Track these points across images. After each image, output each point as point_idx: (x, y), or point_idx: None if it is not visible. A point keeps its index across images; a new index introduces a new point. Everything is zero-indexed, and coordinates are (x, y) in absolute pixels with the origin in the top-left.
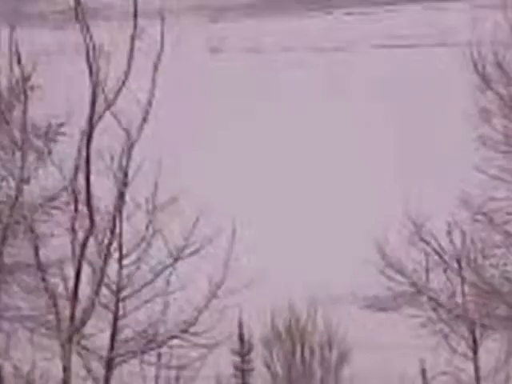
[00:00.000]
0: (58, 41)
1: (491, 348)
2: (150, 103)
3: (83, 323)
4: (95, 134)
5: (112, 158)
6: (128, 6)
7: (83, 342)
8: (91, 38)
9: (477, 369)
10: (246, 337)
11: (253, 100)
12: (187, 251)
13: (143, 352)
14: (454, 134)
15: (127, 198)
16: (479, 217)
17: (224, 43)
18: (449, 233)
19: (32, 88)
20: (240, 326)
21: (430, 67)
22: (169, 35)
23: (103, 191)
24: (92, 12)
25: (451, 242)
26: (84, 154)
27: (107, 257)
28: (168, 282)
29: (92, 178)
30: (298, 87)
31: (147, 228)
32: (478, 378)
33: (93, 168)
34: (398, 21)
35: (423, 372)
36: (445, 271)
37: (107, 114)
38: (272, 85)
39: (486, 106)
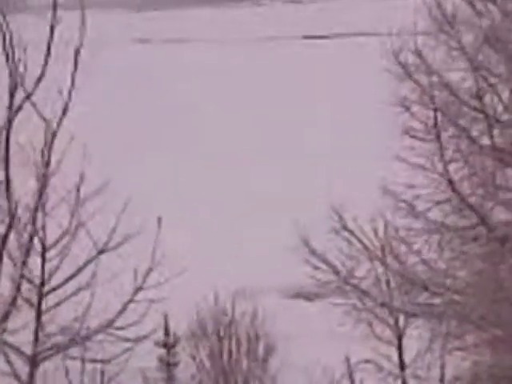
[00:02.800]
0: None
1: (415, 335)
2: (70, 94)
3: (4, 318)
4: (15, 126)
5: (34, 150)
6: None
7: (6, 338)
8: (7, 26)
9: (401, 355)
10: (172, 330)
11: (178, 92)
12: (112, 244)
13: (67, 347)
14: (376, 123)
15: (51, 191)
16: (401, 205)
17: (149, 33)
18: (372, 221)
19: None
20: (165, 318)
21: (352, 57)
22: (91, 26)
23: (25, 184)
24: (12, 2)
25: (374, 230)
26: (3, 145)
27: (28, 250)
28: (93, 276)
29: (13, 170)
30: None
31: (70, 221)
32: (402, 365)
33: (14, 160)
34: (324, 11)
35: (347, 360)
36: (369, 259)
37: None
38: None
39: (406, 95)
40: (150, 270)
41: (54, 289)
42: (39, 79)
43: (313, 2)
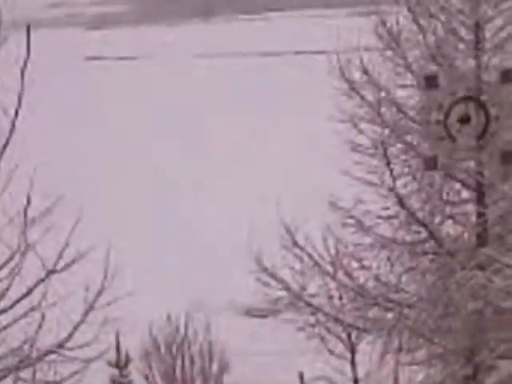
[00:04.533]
0: None
1: (367, 350)
2: (17, 112)
3: None
4: None
5: None
6: None
7: None
8: None
9: (354, 370)
10: (124, 349)
11: (129, 107)
12: (62, 264)
13: (18, 369)
14: (324, 138)
15: None
16: (350, 220)
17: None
18: (323, 237)
19: None
20: (117, 338)
21: (296, 73)
22: (42, 44)
23: None
24: None
25: (325, 246)
26: None
27: None
28: (43, 297)
29: None
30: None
31: (19, 242)
32: (355, 379)
33: None
34: (270, 29)
35: (301, 376)
36: (321, 275)
37: None
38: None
39: (354, 111)
40: (101, 290)
41: (3, 310)
42: None
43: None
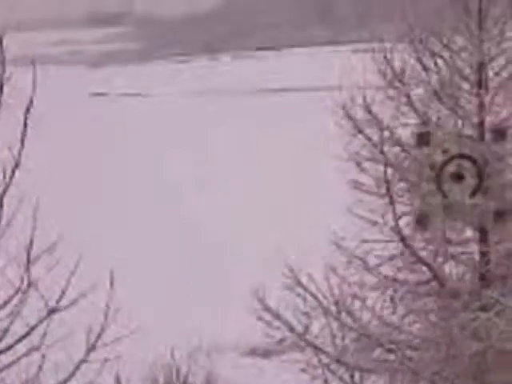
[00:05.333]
0: None
1: None
2: (21, 148)
3: None
4: None
5: None
6: None
7: None
8: None
9: None
10: None
11: (131, 144)
12: (64, 303)
13: None
14: (326, 178)
15: (1, 249)
16: (353, 260)
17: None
18: (326, 277)
19: None
20: (117, 379)
21: (300, 111)
22: (47, 80)
23: None
24: None
25: (328, 286)
26: None
27: None
28: (44, 336)
29: None
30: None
31: (22, 280)
32: None
33: None
34: (272, 65)
35: None
36: (324, 315)
37: None
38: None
39: (357, 149)
40: (103, 329)
41: (4, 350)
42: None
43: (265, 57)
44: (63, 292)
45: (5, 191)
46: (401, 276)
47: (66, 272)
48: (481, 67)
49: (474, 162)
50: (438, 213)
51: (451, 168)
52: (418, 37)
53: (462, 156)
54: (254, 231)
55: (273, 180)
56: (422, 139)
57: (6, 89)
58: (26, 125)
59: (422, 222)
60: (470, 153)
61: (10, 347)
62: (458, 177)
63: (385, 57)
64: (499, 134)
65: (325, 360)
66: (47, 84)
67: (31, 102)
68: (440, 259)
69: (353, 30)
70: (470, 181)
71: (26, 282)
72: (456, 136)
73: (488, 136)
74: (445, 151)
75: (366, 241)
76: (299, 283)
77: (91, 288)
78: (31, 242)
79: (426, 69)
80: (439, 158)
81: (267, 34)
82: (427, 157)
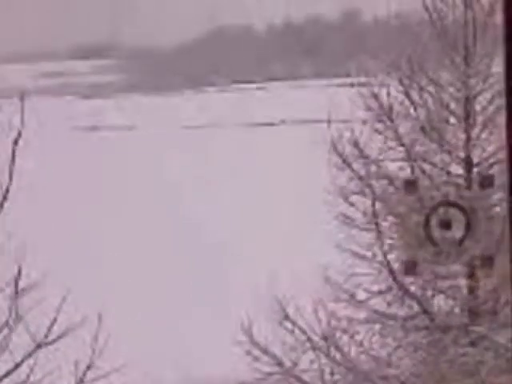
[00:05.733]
0: None
1: None
2: (9, 183)
3: None
4: None
5: None
6: None
7: None
8: None
9: None
10: None
11: (126, 179)
12: (51, 337)
13: None
14: (314, 212)
15: None
16: (342, 294)
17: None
18: (314, 311)
19: None
20: None
21: (287, 146)
22: (35, 112)
23: None
24: None
25: (317, 319)
26: None
27: None
28: (31, 371)
29: None
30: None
31: (10, 313)
32: None
33: None
34: (259, 98)
35: None
36: (313, 350)
37: None
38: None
39: (345, 183)
40: (89, 365)
41: None
42: None
43: (260, 89)
44: (51, 326)
45: None
46: (390, 310)
47: (54, 307)
48: (467, 102)
49: (461, 209)
50: (426, 259)
51: (439, 215)
52: (405, 72)
53: (449, 203)
54: (241, 264)
55: (261, 212)
56: (410, 186)
57: None
58: (13, 157)
59: (410, 268)
60: (458, 200)
61: None
62: (446, 224)
63: (372, 91)
64: (486, 180)
65: None
66: (35, 116)
67: (19, 134)
68: (429, 293)
69: (340, 64)
70: (458, 228)
71: (13, 316)
72: (443, 184)
73: (475, 183)
74: (432, 198)
75: (354, 275)
76: (287, 317)
77: (79, 324)
78: (19, 276)
79: (413, 103)
80: (427, 205)
81: (254, 67)
82: (414, 204)
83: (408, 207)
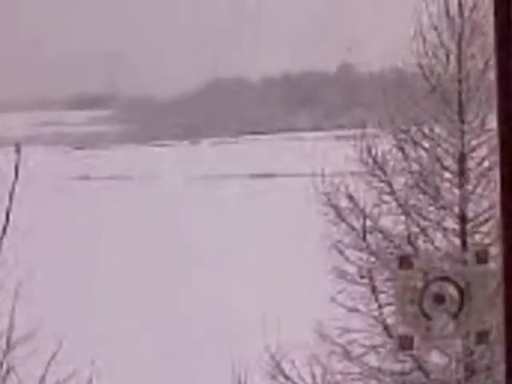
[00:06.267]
0: None
1: None
2: (3, 234)
3: None
4: None
5: None
6: None
7: None
8: None
9: None
10: None
11: (121, 229)
12: None
13: None
14: (308, 266)
15: None
16: (336, 349)
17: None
18: (309, 366)
19: None
20: None
21: (285, 197)
22: (30, 162)
23: None
24: None
25: (311, 375)
26: None
27: None
28: None
29: None
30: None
31: (1, 366)
32: None
33: None
34: (254, 150)
35: None
36: None
37: None
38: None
39: (340, 237)
40: None
41: None
42: None
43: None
44: (43, 379)
45: None
46: (385, 366)
47: (47, 358)
48: (462, 158)
49: (455, 284)
50: (421, 334)
51: (433, 290)
52: (400, 126)
53: (443, 278)
54: (235, 317)
55: (254, 265)
56: (404, 261)
57: None
58: (8, 208)
59: (404, 344)
60: (452, 275)
61: None
62: (440, 299)
63: (366, 145)
64: (482, 254)
65: None
66: (30, 165)
67: (14, 186)
68: (424, 349)
69: (336, 117)
70: (452, 303)
71: (5, 368)
72: (438, 258)
73: (470, 257)
74: (426, 273)
75: (349, 329)
76: (282, 371)
77: (71, 375)
78: (11, 327)
79: (407, 158)
80: (421, 280)
81: (251, 119)
82: (409, 279)
83: (402, 283)
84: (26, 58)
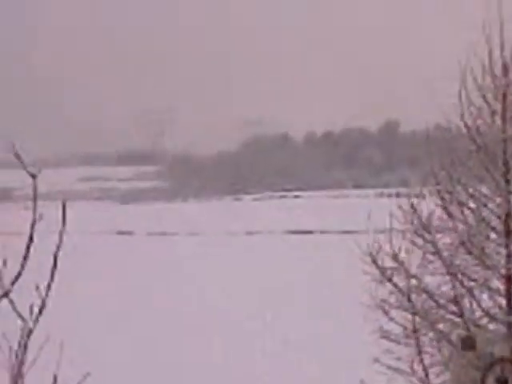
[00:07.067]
0: None
1: None
2: (49, 288)
3: None
4: None
5: (9, 349)
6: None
7: None
8: None
9: None
10: None
11: (153, 282)
12: None
13: None
14: (352, 326)
15: None
16: None
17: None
18: None
19: None
20: None
21: (328, 255)
22: (76, 216)
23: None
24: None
25: None
26: None
27: None
28: None
29: None
30: (199, 271)
31: None
32: None
33: None
34: (297, 207)
35: None
36: None
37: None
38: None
39: (384, 297)
40: None
41: None
42: (17, 277)
43: (297, 197)
44: None
45: (28, 335)
46: None
47: None
48: (508, 218)
49: None
50: None
51: (495, 372)
52: (445, 185)
53: (505, 360)
54: (279, 373)
55: (297, 322)
56: (467, 343)
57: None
58: (55, 264)
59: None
60: None
61: None
62: (503, 381)
63: (411, 204)
64: None
65: None
66: (77, 219)
67: (61, 240)
68: None
69: (378, 174)
70: None
71: None
72: (500, 339)
73: None
74: (488, 355)
75: None
76: None
77: None
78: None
79: (452, 218)
80: (483, 361)
81: (292, 176)
82: (472, 360)
83: (464, 363)
84: (77, 116)
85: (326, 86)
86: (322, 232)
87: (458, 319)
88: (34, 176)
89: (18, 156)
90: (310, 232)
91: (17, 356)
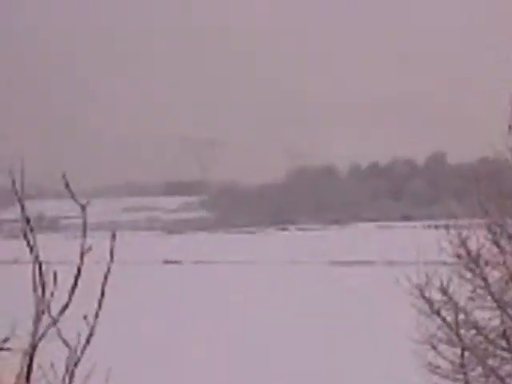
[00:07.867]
0: (11, 249)
1: None
2: (96, 316)
3: None
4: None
5: (55, 377)
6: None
7: None
8: (37, 253)
9: None
10: None
11: (199, 311)
12: None
13: None
14: (400, 360)
15: None
16: None
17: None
18: None
19: None
20: None
21: (373, 287)
22: (125, 247)
23: None
24: (48, 223)
25: None
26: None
27: None
28: None
29: None
30: (244, 303)
31: None
32: None
33: None
34: (343, 238)
35: None
36: None
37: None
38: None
39: (433, 332)
40: None
41: None
42: (65, 306)
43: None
44: None
45: (76, 364)
46: None
47: None
48: None
49: None
50: None
51: None
52: (494, 219)
53: None
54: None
55: (342, 356)
56: None
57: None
58: (103, 294)
59: None
60: None
61: None
62: None
63: (460, 237)
64: None
65: None
66: (123, 249)
67: (109, 270)
68: None
69: (425, 206)
70: None
71: None
72: None
73: None
74: None
75: None
76: None
77: None
78: None
79: (502, 251)
80: None
81: (338, 207)
82: None
83: None
84: (124, 146)
85: (370, 117)
86: (370, 263)
87: (507, 354)
88: (83, 207)
89: (67, 186)
90: (358, 263)
91: (63, 382)
